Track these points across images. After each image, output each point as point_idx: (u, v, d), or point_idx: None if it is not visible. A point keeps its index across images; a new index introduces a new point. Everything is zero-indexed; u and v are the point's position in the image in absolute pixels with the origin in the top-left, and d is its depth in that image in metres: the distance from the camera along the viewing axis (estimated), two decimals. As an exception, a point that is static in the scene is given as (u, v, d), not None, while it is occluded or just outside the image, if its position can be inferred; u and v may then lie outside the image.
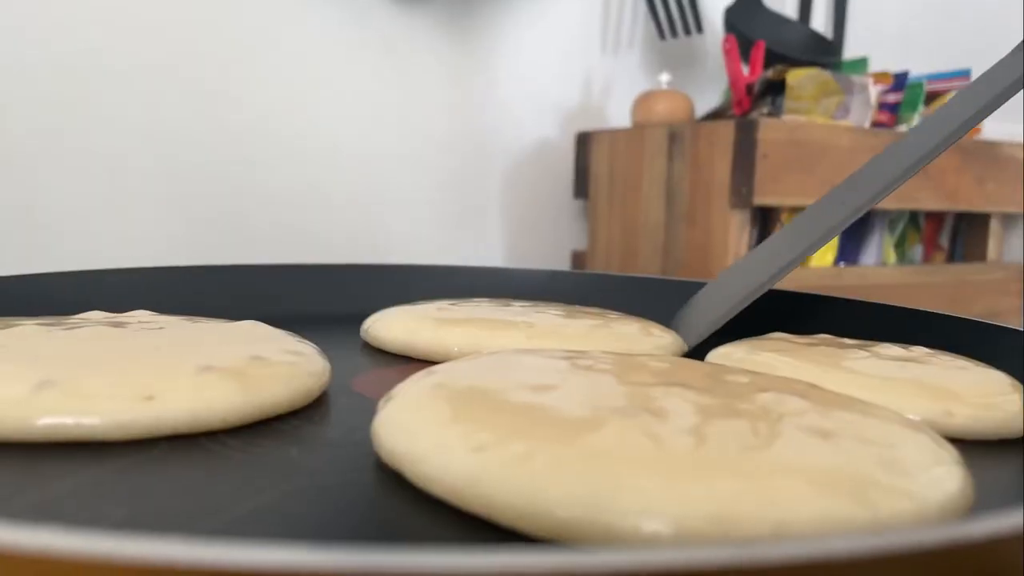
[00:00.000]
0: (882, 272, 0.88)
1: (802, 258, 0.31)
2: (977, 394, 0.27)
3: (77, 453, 0.21)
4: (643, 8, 0.98)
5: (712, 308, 0.33)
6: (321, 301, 0.47)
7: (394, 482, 0.20)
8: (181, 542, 0.10)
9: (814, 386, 0.24)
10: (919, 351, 0.33)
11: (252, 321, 0.32)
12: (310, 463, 0.22)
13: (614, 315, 0.39)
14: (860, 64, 0.95)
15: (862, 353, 0.32)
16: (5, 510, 0.18)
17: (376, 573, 0.10)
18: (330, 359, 0.29)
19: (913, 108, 0.90)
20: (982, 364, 0.32)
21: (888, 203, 0.84)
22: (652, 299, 0.46)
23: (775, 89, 0.82)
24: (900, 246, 0.96)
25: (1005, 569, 0.12)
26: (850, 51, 1.10)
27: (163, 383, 0.23)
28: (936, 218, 0.99)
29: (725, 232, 0.77)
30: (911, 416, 0.25)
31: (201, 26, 0.71)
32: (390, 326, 0.36)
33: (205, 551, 0.10)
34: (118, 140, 0.68)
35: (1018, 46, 0.28)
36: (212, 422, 0.23)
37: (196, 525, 0.17)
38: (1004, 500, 0.22)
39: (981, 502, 0.21)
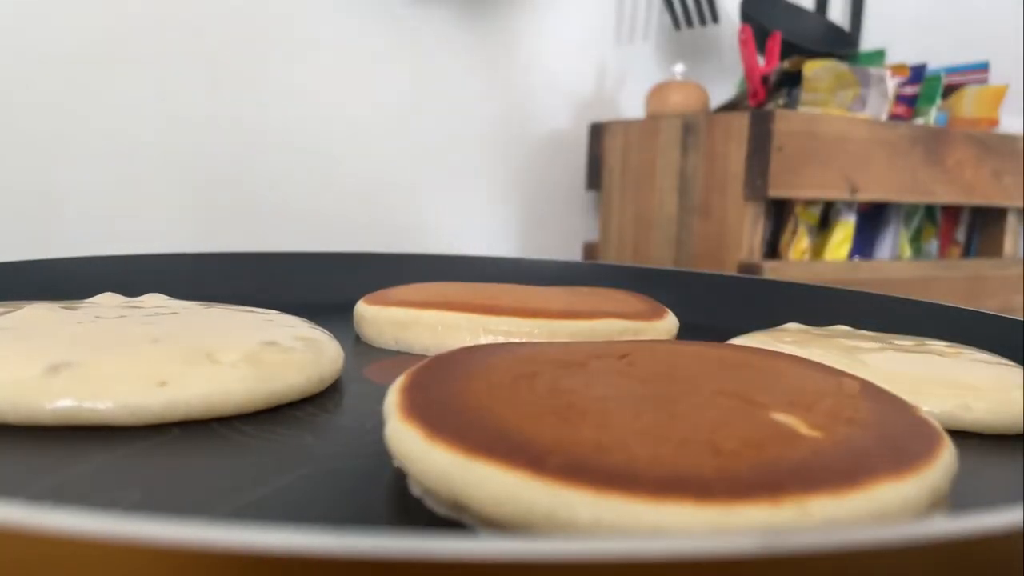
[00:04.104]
0: (897, 266, 0.87)
1: None
2: (995, 388, 0.27)
3: (91, 437, 0.21)
4: (658, -2, 0.97)
5: None
6: (334, 288, 0.47)
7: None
8: (196, 525, 0.10)
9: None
10: (936, 344, 0.33)
11: (264, 309, 0.32)
12: (324, 449, 0.22)
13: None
14: (877, 56, 0.95)
15: (879, 345, 0.32)
16: (22, 494, 0.18)
17: (388, 558, 0.10)
18: (343, 346, 0.29)
19: (931, 101, 0.89)
20: (999, 358, 0.32)
21: (904, 197, 0.84)
22: (664, 290, 0.46)
23: (791, 80, 0.82)
24: (916, 240, 0.96)
25: (1008, 563, 0.12)
26: (867, 43, 1.09)
27: (177, 369, 0.23)
28: (952, 212, 0.98)
29: (739, 224, 0.76)
30: (927, 409, 0.25)
31: (220, 17, 0.71)
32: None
33: (220, 534, 0.10)
34: (135, 128, 0.69)
35: None
36: (226, 408, 0.23)
37: (211, 509, 0.17)
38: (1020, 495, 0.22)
39: (999, 496, 0.21)
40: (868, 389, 0.22)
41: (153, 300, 0.33)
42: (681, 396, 0.20)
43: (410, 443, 0.17)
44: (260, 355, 0.25)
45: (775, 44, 0.85)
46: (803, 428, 0.18)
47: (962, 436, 0.25)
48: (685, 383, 0.21)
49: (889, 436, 0.18)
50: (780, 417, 0.18)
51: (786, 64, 0.81)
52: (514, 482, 0.15)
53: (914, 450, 0.17)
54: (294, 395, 0.25)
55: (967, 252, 1.00)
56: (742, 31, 0.84)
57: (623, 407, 0.19)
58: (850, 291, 0.44)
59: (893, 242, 0.92)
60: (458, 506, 0.16)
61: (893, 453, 0.17)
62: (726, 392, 0.20)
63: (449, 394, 0.19)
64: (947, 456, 0.18)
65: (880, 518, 0.15)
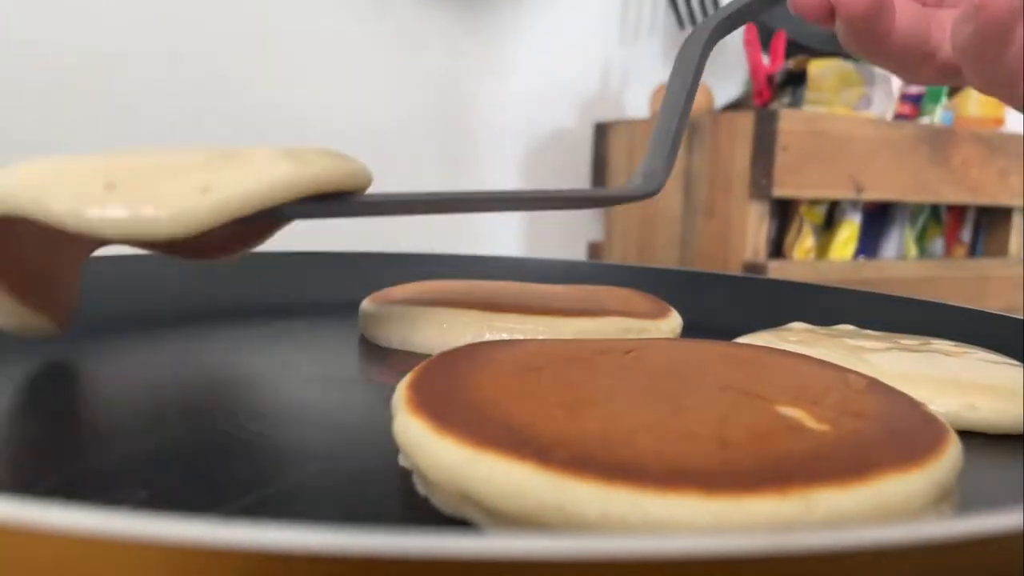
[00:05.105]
0: (902, 266, 0.87)
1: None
2: (1001, 388, 0.27)
3: (95, 437, 0.21)
4: (663, -2, 0.98)
5: (657, 152, 0.33)
6: (340, 287, 0.47)
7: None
8: (202, 523, 0.10)
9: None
10: (942, 344, 0.33)
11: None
12: (329, 448, 0.22)
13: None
14: (882, 55, 0.94)
15: (885, 344, 0.32)
16: (29, 492, 0.18)
17: (394, 556, 0.10)
18: (347, 345, 0.29)
19: (936, 100, 0.89)
20: (1005, 358, 0.32)
21: (909, 196, 0.83)
22: (668, 290, 0.46)
23: (796, 80, 0.82)
24: (921, 240, 0.95)
25: (1011, 564, 0.12)
26: (872, 42, 1.09)
27: (216, 174, 0.23)
28: (958, 212, 0.98)
29: (743, 224, 0.76)
30: (933, 408, 0.25)
31: (219, 16, 0.71)
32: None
33: (227, 532, 0.10)
34: (136, 129, 0.69)
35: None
36: (272, 197, 0.23)
37: (217, 507, 0.17)
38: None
39: (1004, 496, 0.21)
40: (875, 385, 0.22)
41: None
42: (687, 390, 0.20)
43: (418, 437, 0.17)
44: (293, 152, 0.25)
45: (780, 43, 0.85)
46: (809, 421, 0.18)
47: (968, 436, 0.25)
48: (691, 378, 0.21)
49: (896, 430, 0.18)
50: (786, 410, 0.18)
51: (791, 63, 0.81)
52: (521, 475, 0.15)
53: (920, 444, 0.17)
54: (331, 184, 0.25)
55: (973, 252, 1.00)
56: (747, 30, 0.84)
57: (629, 401, 0.19)
58: (855, 291, 0.44)
59: (898, 241, 0.92)
60: (465, 500, 0.16)
61: (899, 447, 0.17)
62: (732, 386, 0.20)
63: (456, 388, 0.20)
64: (953, 451, 0.17)
65: (886, 512, 0.15)
